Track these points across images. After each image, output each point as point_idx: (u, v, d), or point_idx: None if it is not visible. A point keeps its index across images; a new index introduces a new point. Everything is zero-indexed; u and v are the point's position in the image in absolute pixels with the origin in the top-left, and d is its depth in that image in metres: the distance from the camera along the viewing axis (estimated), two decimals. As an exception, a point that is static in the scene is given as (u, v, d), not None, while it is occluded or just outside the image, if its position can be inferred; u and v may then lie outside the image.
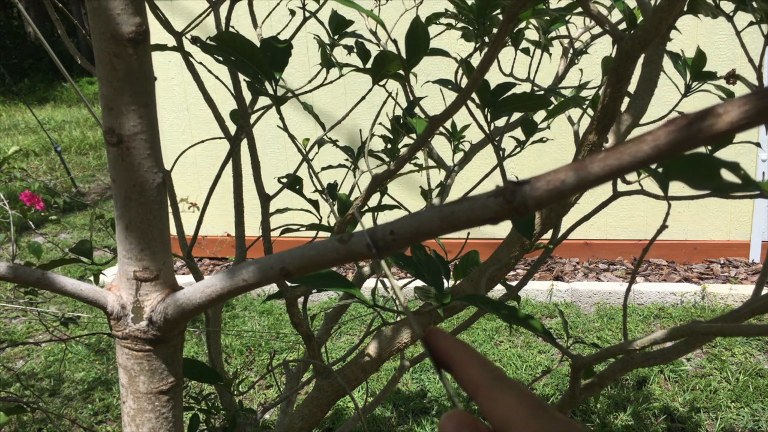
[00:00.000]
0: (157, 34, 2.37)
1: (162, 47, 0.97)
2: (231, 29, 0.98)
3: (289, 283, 1.01)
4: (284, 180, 1.17)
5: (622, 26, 1.07)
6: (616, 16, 2.33)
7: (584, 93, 1.17)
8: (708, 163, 0.28)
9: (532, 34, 1.25)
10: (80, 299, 0.47)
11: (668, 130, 0.22)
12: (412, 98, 1.11)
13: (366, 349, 1.00)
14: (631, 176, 1.12)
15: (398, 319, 0.98)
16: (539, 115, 1.14)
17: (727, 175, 0.29)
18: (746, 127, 0.22)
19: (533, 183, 0.24)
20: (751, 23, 0.97)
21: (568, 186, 0.23)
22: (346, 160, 1.34)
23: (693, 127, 0.22)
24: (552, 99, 1.18)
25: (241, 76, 1.29)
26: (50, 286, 0.46)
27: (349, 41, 1.12)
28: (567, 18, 1.19)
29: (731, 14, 0.97)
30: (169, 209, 1.20)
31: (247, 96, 2.33)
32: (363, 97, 1.21)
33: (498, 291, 2.89)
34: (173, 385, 0.50)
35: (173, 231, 1.12)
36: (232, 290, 0.40)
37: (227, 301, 3.17)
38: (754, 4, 0.91)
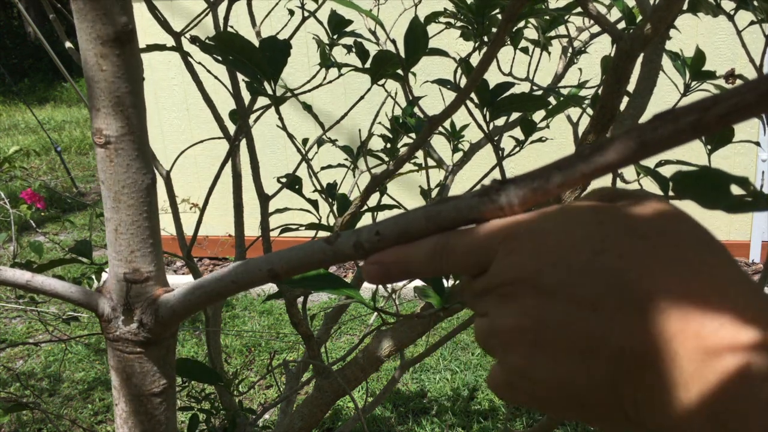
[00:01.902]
0: (156, 34, 2.37)
1: (160, 47, 0.97)
2: (230, 29, 0.97)
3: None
4: (283, 180, 1.16)
5: (621, 25, 1.07)
6: (615, 15, 2.32)
7: (583, 92, 1.16)
8: (717, 179, 0.28)
9: (531, 33, 1.25)
10: (71, 302, 0.46)
11: (654, 124, 0.22)
12: (411, 98, 1.10)
13: (365, 349, 1.00)
14: (631, 175, 1.12)
15: (398, 319, 0.98)
16: (538, 115, 1.14)
17: (736, 189, 0.29)
18: (737, 121, 0.22)
19: (518, 182, 0.24)
20: (752, 22, 0.97)
21: (554, 184, 0.23)
22: (346, 159, 1.33)
23: (680, 122, 0.22)
24: (551, 98, 1.17)
25: (240, 76, 1.29)
26: (40, 290, 0.46)
27: (349, 41, 1.12)
28: (566, 17, 1.19)
29: (732, 13, 0.96)
30: (169, 210, 1.20)
31: (246, 96, 2.33)
32: (362, 97, 1.20)
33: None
34: (166, 387, 0.50)
35: (173, 231, 1.12)
36: (221, 292, 0.40)
37: (226, 300, 3.17)
38: (755, 3, 0.90)
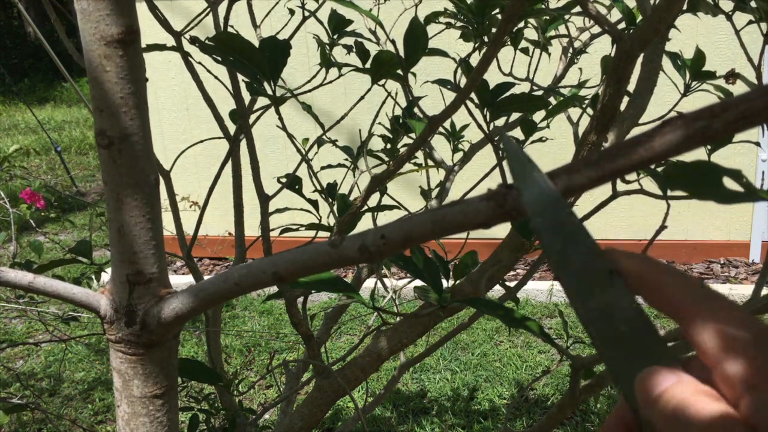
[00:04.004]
0: (156, 34, 2.38)
1: (160, 47, 0.97)
2: (230, 29, 0.97)
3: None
4: (283, 180, 1.16)
5: (621, 26, 1.07)
6: (615, 15, 2.32)
7: (583, 92, 1.16)
8: (710, 171, 0.28)
9: (531, 33, 1.25)
10: (73, 303, 0.46)
11: (664, 131, 0.22)
12: (411, 98, 1.10)
13: (366, 349, 1.00)
14: (631, 175, 1.12)
15: (398, 319, 0.98)
16: (539, 115, 1.14)
17: (729, 182, 0.29)
18: (745, 127, 0.22)
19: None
20: (750, 22, 0.97)
21: (561, 190, 0.23)
22: (346, 159, 1.33)
23: (690, 128, 0.22)
24: (551, 98, 1.17)
25: (240, 76, 1.29)
26: (42, 291, 0.46)
27: (349, 41, 1.12)
28: (566, 17, 1.19)
29: (730, 13, 0.97)
30: (169, 209, 1.19)
31: (246, 96, 2.32)
32: (362, 97, 1.20)
33: (498, 291, 2.89)
34: (168, 389, 0.50)
35: (173, 231, 1.12)
36: (225, 294, 0.40)
37: (227, 301, 3.17)
38: (753, 3, 0.90)
